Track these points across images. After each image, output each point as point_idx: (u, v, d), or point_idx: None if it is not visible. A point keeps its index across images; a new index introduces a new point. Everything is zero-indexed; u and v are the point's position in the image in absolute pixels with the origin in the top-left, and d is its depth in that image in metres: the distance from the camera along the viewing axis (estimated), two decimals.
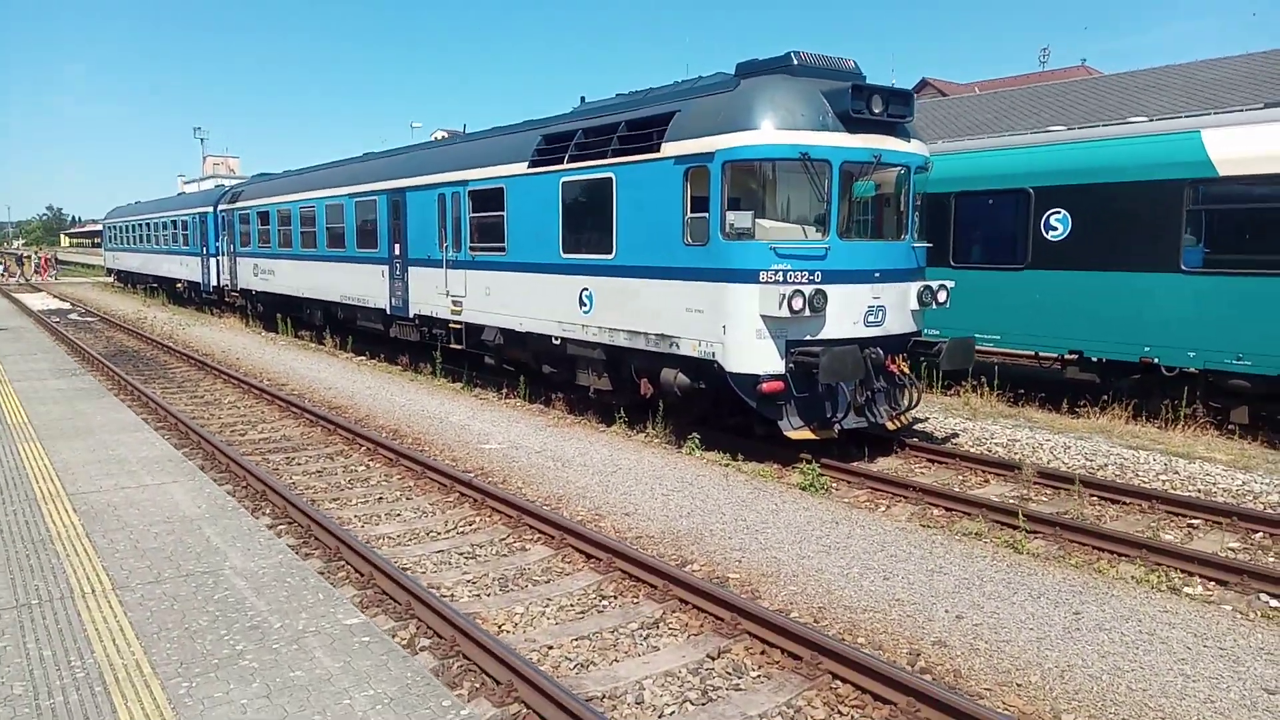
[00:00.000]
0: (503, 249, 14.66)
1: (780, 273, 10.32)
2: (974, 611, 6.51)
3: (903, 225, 11.28)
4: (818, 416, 10.81)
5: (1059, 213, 12.77)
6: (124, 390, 15.60)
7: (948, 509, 9.23)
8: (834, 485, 10.18)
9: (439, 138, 20.68)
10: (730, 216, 10.45)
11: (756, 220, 10.44)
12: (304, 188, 22.96)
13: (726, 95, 10.80)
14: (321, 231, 21.62)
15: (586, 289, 12.80)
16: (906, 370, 11.27)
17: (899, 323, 11.20)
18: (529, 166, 13.89)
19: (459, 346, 16.45)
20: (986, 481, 10.40)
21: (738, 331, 10.45)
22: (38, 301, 38.72)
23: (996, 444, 11.63)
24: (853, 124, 10.52)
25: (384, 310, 18.94)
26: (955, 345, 11.16)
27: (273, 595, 5.43)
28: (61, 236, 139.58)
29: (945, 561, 7.55)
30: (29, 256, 67.37)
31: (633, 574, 7.23)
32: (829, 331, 10.57)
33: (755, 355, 10.43)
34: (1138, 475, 10.10)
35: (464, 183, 15.61)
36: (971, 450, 11.49)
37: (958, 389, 14.31)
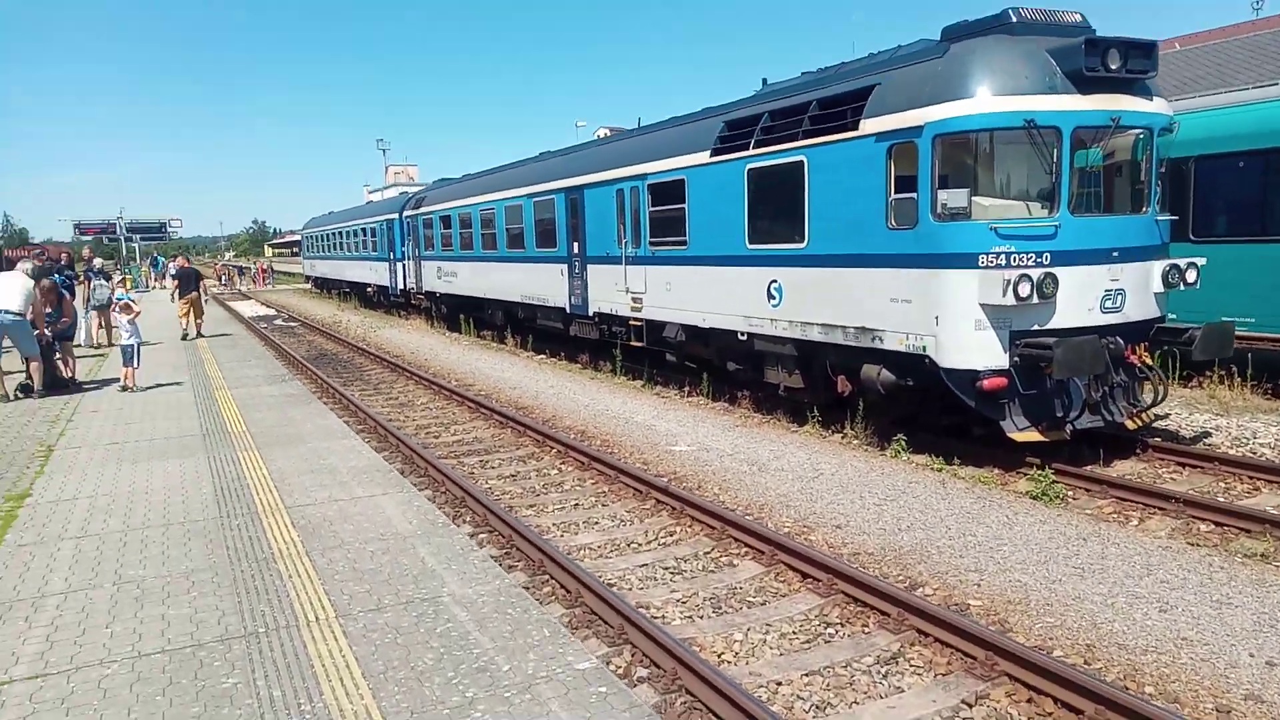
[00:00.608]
0: (684, 243, 14.17)
1: (1003, 255, 9.24)
2: None
3: (1144, 196, 9.90)
4: (1046, 415, 9.65)
5: None
6: (328, 395, 16.25)
7: (1218, 523, 7.92)
8: (1070, 494, 9.03)
9: (603, 135, 20.51)
10: (942, 195, 9.47)
11: (973, 198, 9.40)
12: (483, 190, 23.41)
13: (934, 62, 9.80)
14: (501, 232, 21.93)
15: (775, 281, 12.09)
16: (1149, 361, 9.90)
17: (1140, 308, 9.85)
18: (711, 155, 13.31)
19: (639, 344, 16.13)
20: (1257, 490, 8.93)
21: (953, 323, 9.46)
22: (248, 309, 41.89)
23: (1261, 444, 10.04)
24: (1086, 84, 9.28)
25: (563, 309, 18.93)
26: (1211, 332, 9.68)
27: (496, 630, 5.08)
28: (265, 247, 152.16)
29: (1232, 590, 6.38)
30: (248, 268, 73.32)
31: (858, 598, 6.51)
32: (1060, 320, 9.40)
33: (974, 349, 9.41)
34: None
35: (642, 176, 15.24)
36: (1231, 452, 9.96)
37: (1200, 380, 12.60)
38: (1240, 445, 10.14)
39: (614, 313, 16.72)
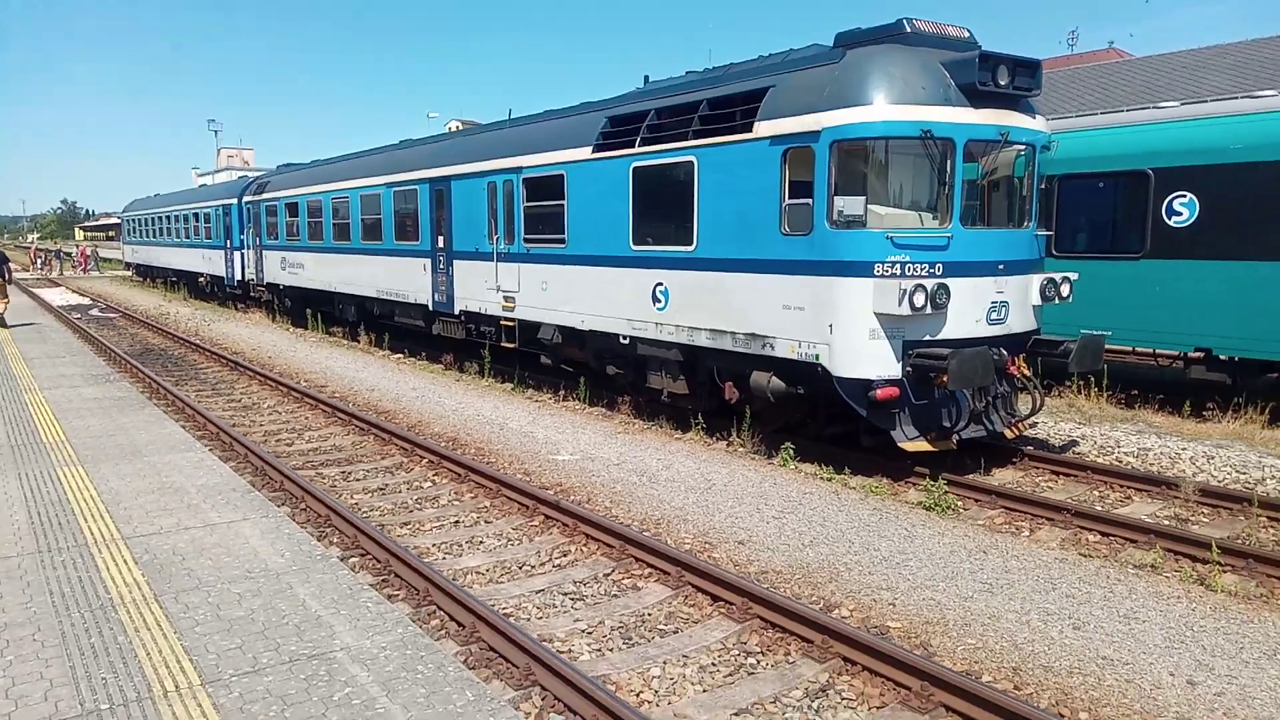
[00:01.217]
0: (562, 241, 13.57)
1: (898, 265, 9.19)
2: (1207, 676, 5.39)
3: (1025, 211, 10.12)
4: (934, 425, 9.69)
5: (1184, 196, 11.57)
6: (162, 398, 14.61)
7: (1104, 534, 8.11)
8: (961, 504, 9.07)
9: (454, 128, 19.61)
10: (839, 202, 9.32)
11: (869, 206, 9.30)
12: (336, 177, 21.91)
13: (832, 67, 9.65)
14: (356, 223, 20.57)
15: (661, 284, 11.70)
16: (1027, 373, 10.13)
17: (1021, 320, 10.06)
18: (593, 151, 12.77)
19: (511, 345, 15.38)
20: (1129, 498, 9.26)
21: (848, 331, 9.33)
22: (57, 296, 37.89)
23: (1125, 453, 10.48)
24: (978, 97, 9.37)
25: (425, 306, 17.89)
26: (1086, 344, 10.00)
27: (409, 695, 4.28)
28: (76, 230, 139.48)
29: (1135, 604, 6.43)
30: (69, 253, 66.28)
31: (776, 622, 6.14)
32: (950, 331, 9.45)
33: (868, 358, 9.31)
34: None
35: (517, 170, 14.52)
36: (1101, 461, 10.35)
37: (1060, 390, 13.15)
38: (1106, 454, 10.54)
39: (483, 311, 15.89)
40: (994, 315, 9.74)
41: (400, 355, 19.97)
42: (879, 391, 9.25)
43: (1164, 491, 9.13)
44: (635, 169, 11.99)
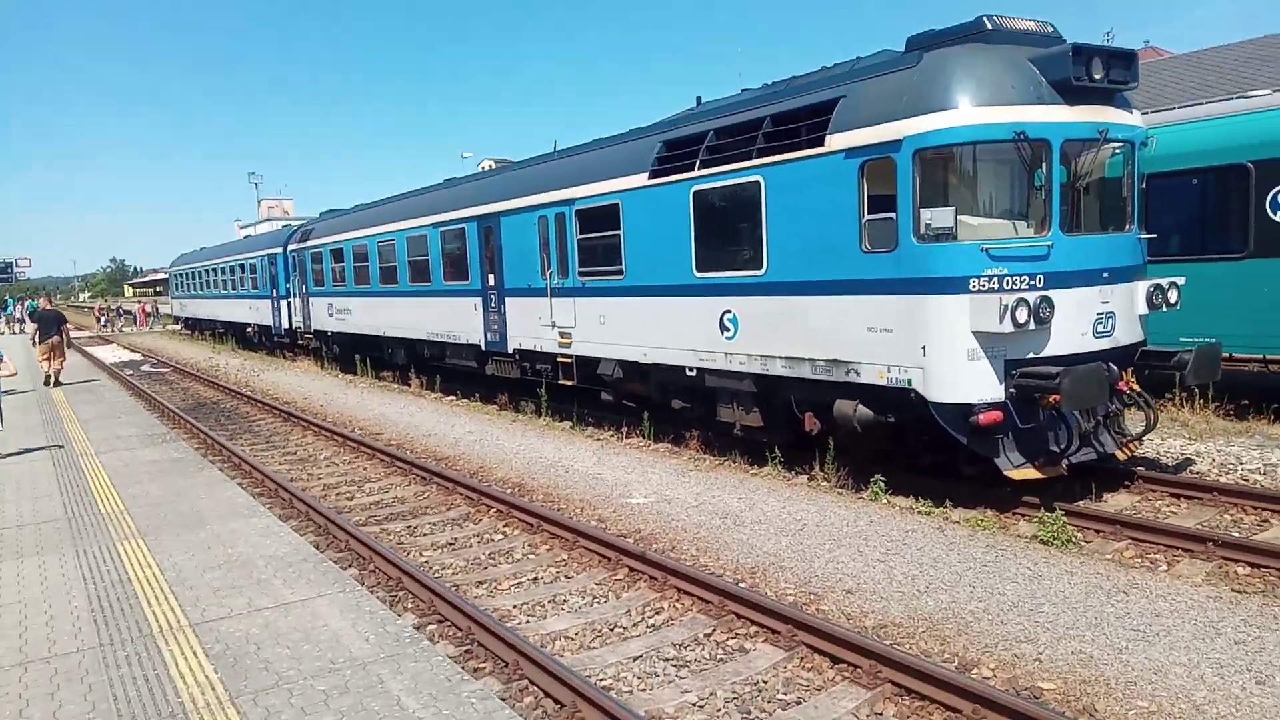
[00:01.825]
0: (620, 272, 13.04)
1: (995, 278, 8.49)
2: None
3: (1127, 213, 9.37)
4: (1042, 450, 8.92)
5: None
6: (218, 454, 14.29)
7: (1254, 565, 7.26)
8: (1081, 536, 8.27)
9: (486, 167, 19.34)
10: (926, 215, 8.65)
11: (960, 217, 8.63)
12: (380, 220, 21.72)
13: (909, 72, 9.04)
14: (403, 265, 20.29)
15: (729, 311, 11.09)
16: (1137, 388, 9.33)
17: (1128, 331, 9.29)
18: (650, 177, 12.27)
19: (569, 382, 14.86)
20: (1266, 522, 8.39)
21: (944, 353, 8.63)
22: (109, 353, 38.30)
23: (1249, 470, 9.59)
24: (1072, 94, 8.70)
25: (478, 346, 17.46)
26: (1203, 354, 9.19)
27: None
28: (125, 287, 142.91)
29: None
30: (130, 310, 67.36)
31: (911, 688, 5.44)
32: (1055, 347, 8.71)
33: (967, 380, 8.60)
34: None
35: (569, 201, 14.06)
36: (1225, 481, 9.48)
37: (1161, 403, 12.24)
38: (1229, 472, 9.67)
39: (538, 349, 15.40)
40: (1100, 327, 8.98)
41: (453, 398, 19.55)
42: (981, 416, 8.51)
43: None
44: (696, 193, 11.45)
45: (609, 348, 13.51)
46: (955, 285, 8.55)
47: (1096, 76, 8.70)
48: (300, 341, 29.77)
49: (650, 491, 10.47)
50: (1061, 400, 8.15)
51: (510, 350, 16.29)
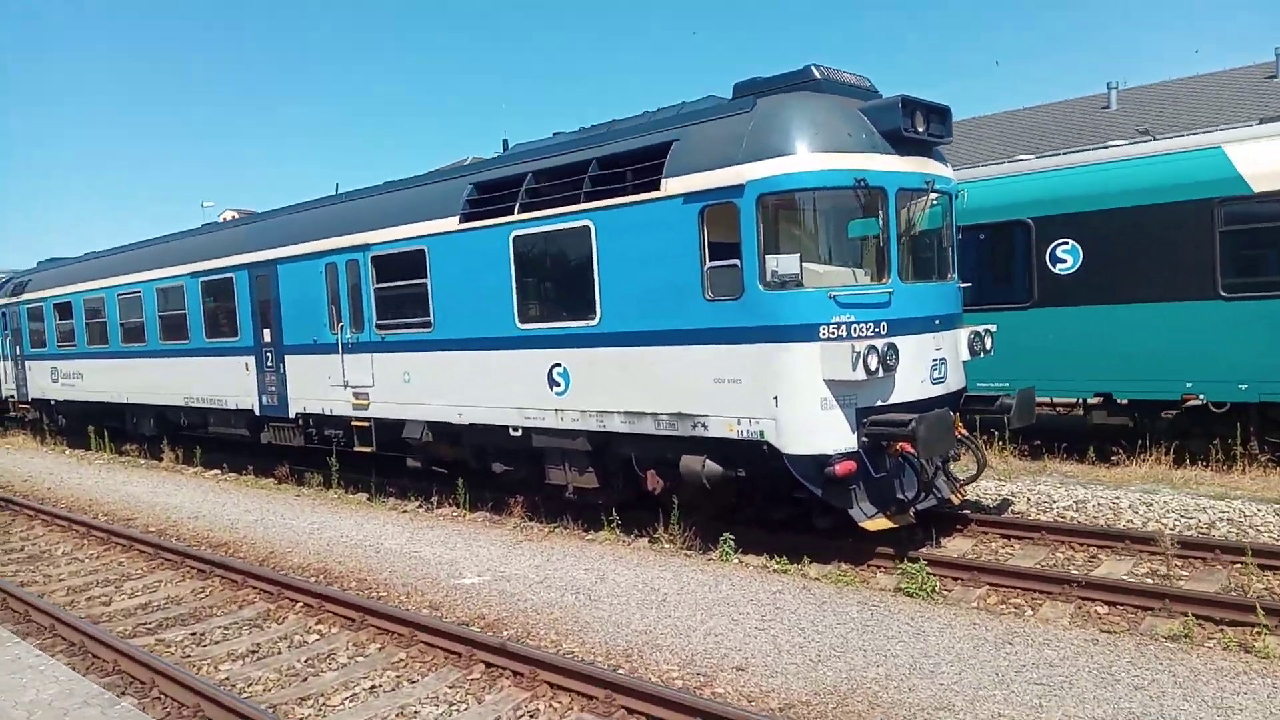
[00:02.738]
0: (427, 324, 11.92)
1: (844, 325, 8.39)
2: None
3: (949, 262, 9.69)
4: (890, 499, 8.87)
5: (1066, 243, 11.69)
6: None
7: (1109, 603, 7.46)
8: (940, 584, 8.19)
9: (228, 218, 17.63)
10: (772, 261, 8.44)
11: (804, 264, 8.48)
12: (121, 270, 18.93)
13: (744, 116, 8.86)
14: (152, 321, 17.72)
15: (559, 365, 10.35)
16: (964, 433, 9.58)
17: (956, 377, 9.55)
18: (461, 221, 11.34)
19: (366, 449, 13.35)
20: (1096, 558, 8.77)
21: (797, 403, 8.38)
22: None
23: (1062, 507, 10.12)
24: (902, 144, 8.88)
25: (250, 411, 15.43)
26: (1023, 398, 9.61)
27: None
28: None
29: (1213, 690, 5.69)
30: None
31: None
32: (900, 394, 8.73)
33: (822, 430, 8.39)
34: (1269, 533, 8.81)
35: (363, 247, 12.76)
36: (1044, 519, 9.91)
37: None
38: (1045, 510, 10.15)
39: (327, 412, 13.78)
40: (936, 374, 9.14)
41: (217, 472, 17.16)
42: (838, 467, 8.31)
43: (1129, 546, 8.72)
44: (516, 238, 10.67)
45: (415, 408, 12.27)
46: (805, 333, 8.35)
47: (920, 129, 8.96)
48: (14, 413, 25.38)
49: (483, 569, 9.39)
50: (917, 447, 8.12)
51: (292, 415, 14.50)
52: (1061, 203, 11.60)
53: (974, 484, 9.96)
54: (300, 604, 8.58)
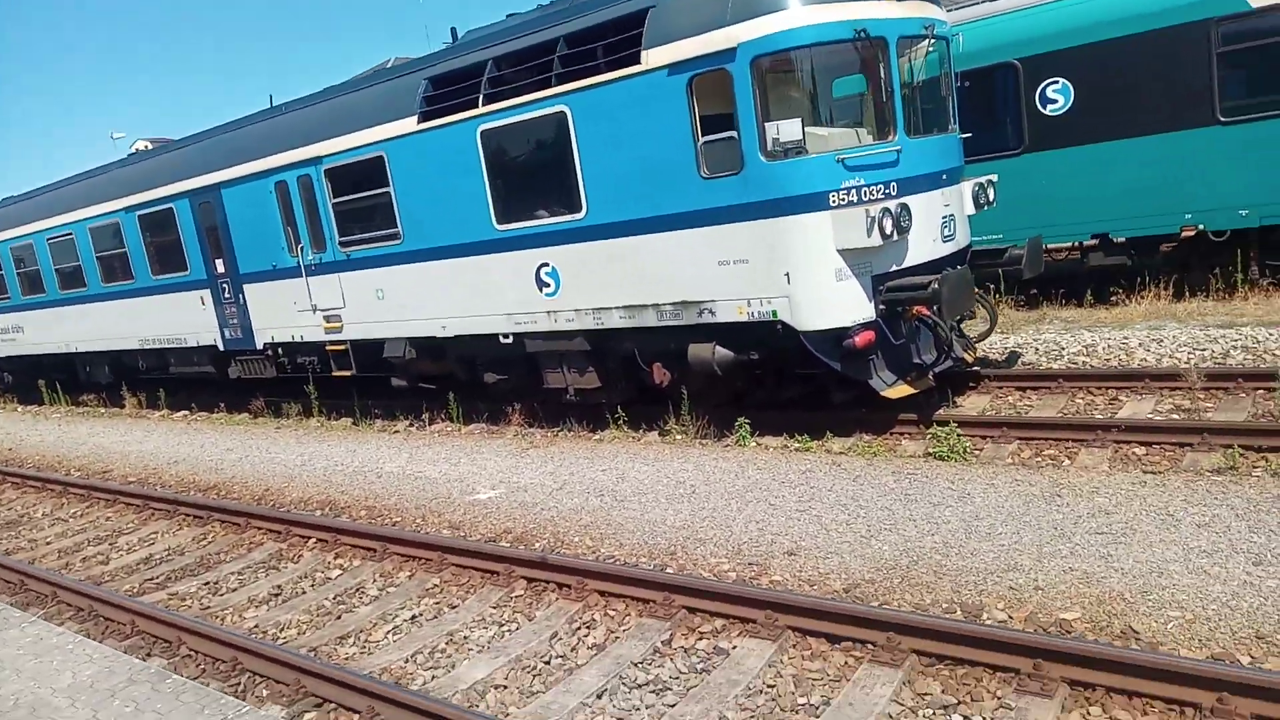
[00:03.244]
0: (396, 236, 11.23)
1: (854, 190, 7.95)
2: None
3: (949, 113, 9.21)
4: (907, 365, 8.64)
5: (1056, 82, 11.24)
6: None
7: (1145, 444, 7.36)
8: (971, 445, 8.03)
9: (142, 148, 16.38)
10: (772, 129, 7.90)
11: (807, 129, 7.95)
12: (45, 213, 17.64)
13: None
14: (90, 264, 16.62)
15: (547, 264, 9.81)
16: (977, 290, 9.31)
17: (963, 233, 9.22)
18: (420, 121, 10.53)
19: (345, 373, 12.78)
20: (1117, 400, 8.68)
21: (810, 277, 8.00)
22: None
23: (1072, 354, 9.98)
24: None
25: (214, 347, 14.68)
26: (1034, 248, 9.35)
27: None
28: None
29: (1272, 516, 5.63)
30: None
31: (943, 653, 4.71)
32: (913, 256, 8.40)
33: (839, 303, 8.05)
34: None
35: (314, 160, 11.89)
36: (1056, 367, 9.79)
37: None
38: (1055, 358, 10.02)
39: (298, 339, 13.12)
40: (945, 231, 8.80)
41: (186, 413, 16.49)
42: (858, 338, 8.02)
43: (1148, 384, 8.62)
44: (485, 133, 9.93)
45: (394, 325, 11.68)
46: (815, 202, 7.90)
47: None
48: None
49: (495, 481, 9.07)
50: (941, 309, 7.84)
51: (260, 346, 13.80)
52: (1049, 40, 11.10)
53: (985, 340, 9.76)
54: (313, 540, 8.20)
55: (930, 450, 7.96)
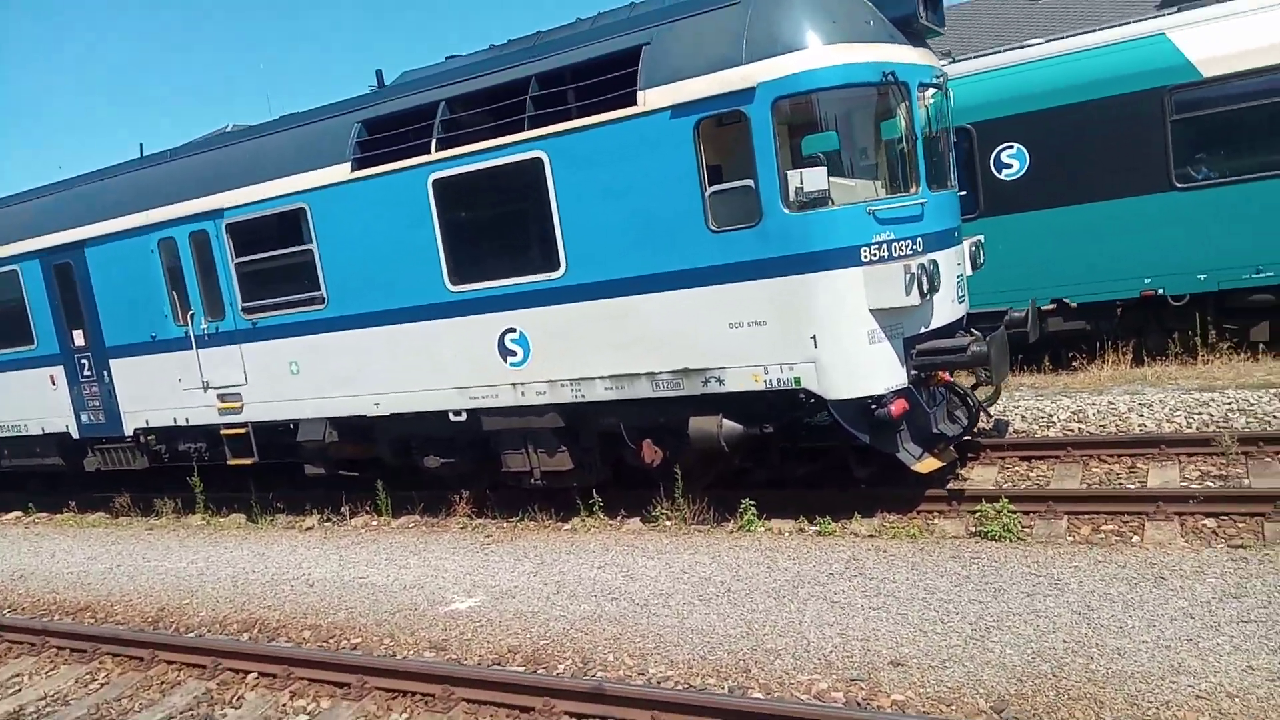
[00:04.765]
0: (318, 300, 9.69)
1: (885, 245, 7.26)
2: None
3: (949, 168, 8.78)
4: (929, 436, 7.93)
5: (1011, 147, 11.19)
6: None
7: (1211, 514, 6.88)
8: (1017, 523, 7.33)
9: None
10: (795, 177, 7.13)
11: (830, 178, 7.25)
12: None
13: (737, 8, 7.41)
14: None
15: (513, 330, 8.59)
16: None
17: (965, 293, 8.73)
18: (354, 169, 9.18)
19: (244, 460, 10.86)
20: (1135, 469, 8.27)
21: (842, 339, 7.20)
22: None
23: (1064, 421, 9.60)
24: (910, 34, 7.82)
25: (64, 434, 12.35)
26: (1034, 310, 8.96)
27: None
28: None
29: None
30: None
31: None
32: (937, 318, 7.78)
33: (873, 368, 7.27)
34: None
35: (214, 214, 10.21)
36: (1053, 435, 9.38)
37: None
38: (1047, 425, 9.61)
39: (181, 423, 11.13)
40: (959, 292, 8.28)
41: (20, 514, 13.79)
42: (893, 406, 7.25)
43: (1164, 450, 8.28)
44: (438, 181, 8.70)
45: (312, 404, 10.02)
46: (845, 257, 7.15)
47: (923, 16, 7.91)
48: None
49: (469, 586, 7.62)
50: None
51: (129, 432, 11.66)
52: (1004, 104, 11.07)
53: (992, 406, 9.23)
54: (254, 674, 6.48)
55: (976, 529, 7.21)
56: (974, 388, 8.52)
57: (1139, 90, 10.34)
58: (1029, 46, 11.30)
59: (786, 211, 7.16)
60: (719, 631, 6.04)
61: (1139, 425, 9.08)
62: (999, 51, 11.73)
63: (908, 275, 7.01)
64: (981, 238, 9.23)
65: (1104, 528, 7.08)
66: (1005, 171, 11.25)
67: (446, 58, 10.02)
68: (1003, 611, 5.70)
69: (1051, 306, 11.43)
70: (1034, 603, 5.76)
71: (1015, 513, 7.25)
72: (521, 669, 5.94)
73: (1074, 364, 11.34)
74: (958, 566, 6.49)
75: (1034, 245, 11.15)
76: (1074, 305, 11.30)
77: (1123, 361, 11.00)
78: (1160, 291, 10.69)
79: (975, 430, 8.54)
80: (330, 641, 6.97)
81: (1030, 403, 10.21)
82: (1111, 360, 11.07)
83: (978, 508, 7.35)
